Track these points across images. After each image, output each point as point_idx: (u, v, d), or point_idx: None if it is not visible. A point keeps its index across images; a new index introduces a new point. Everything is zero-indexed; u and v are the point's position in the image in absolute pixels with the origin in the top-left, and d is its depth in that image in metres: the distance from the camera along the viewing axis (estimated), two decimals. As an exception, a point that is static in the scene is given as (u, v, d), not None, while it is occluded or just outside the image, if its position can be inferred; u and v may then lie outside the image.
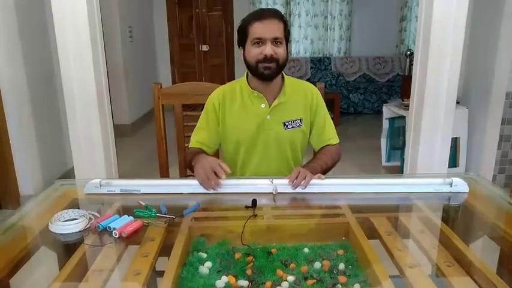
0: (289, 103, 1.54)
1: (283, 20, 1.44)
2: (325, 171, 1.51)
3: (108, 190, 1.35)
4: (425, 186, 1.37)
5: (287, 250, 1.03)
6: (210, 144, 1.60)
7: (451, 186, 1.34)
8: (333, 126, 1.64)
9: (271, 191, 1.31)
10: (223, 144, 1.61)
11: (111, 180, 1.38)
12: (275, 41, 1.41)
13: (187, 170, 1.84)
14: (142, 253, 1.01)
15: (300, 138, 1.58)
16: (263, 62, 1.42)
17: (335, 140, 1.62)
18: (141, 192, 1.34)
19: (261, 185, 1.34)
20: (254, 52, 1.43)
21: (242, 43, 1.48)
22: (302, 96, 1.57)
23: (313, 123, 1.59)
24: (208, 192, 1.33)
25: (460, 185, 1.34)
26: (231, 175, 1.47)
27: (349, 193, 1.35)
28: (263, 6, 6.09)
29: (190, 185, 1.36)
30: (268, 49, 1.40)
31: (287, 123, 1.54)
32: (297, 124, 1.55)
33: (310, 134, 1.61)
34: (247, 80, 1.55)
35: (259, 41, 1.42)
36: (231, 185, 1.35)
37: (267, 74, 1.44)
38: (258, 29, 1.41)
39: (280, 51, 1.43)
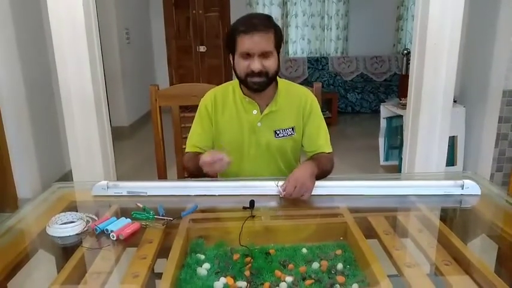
0: (281, 111, 1.50)
1: (274, 27, 1.38)
2: (317, 176, 1.40)
3: (116, 192, 1.35)
4: (437, 188, 1.35)
5: (285, 251, 1.03)
6: (206, 148, 1.56)
7: (463, 189, 1.32)
8: (328, 135, 1.56)
9: (277, 193, 1.31)
10: (216, 148, 1.58)
11: (118, 182, 1.37)
12: (263, 54, 1.37)
13: (184, 172, 1.84)
14: (140, 255, 1.01)
15: (291, 146, 1.54)
16: (252, 76, 1.39)
17: (328, 148, 1.54)
18: (148, 194, 1.34)
19: (267, 187, 1.33)
20: (242, 65, 1.39)
21: (232, 51, 1.43)
22: (295, 104, 1.52)
23: (305, 128, 1.54)
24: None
25: (472, 187, 1.32)
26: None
27: (355, 195, 1.35)
28: (260, 7, 6.09)
29: (198, 187, 1.36)
30: (256, 64, 1.36)
31: (278, 132, 1.50)
32: (289, 133, 1.51)
33: (302, 139, 1.56)
34: (240, 85, 1.51)
35: (247, 55, 1.37)
36: (235, 187, 1.35)
37: (256, 88, 1.42)
38: (246, 43, 1.35)
39: (270, 63, 1.38)
